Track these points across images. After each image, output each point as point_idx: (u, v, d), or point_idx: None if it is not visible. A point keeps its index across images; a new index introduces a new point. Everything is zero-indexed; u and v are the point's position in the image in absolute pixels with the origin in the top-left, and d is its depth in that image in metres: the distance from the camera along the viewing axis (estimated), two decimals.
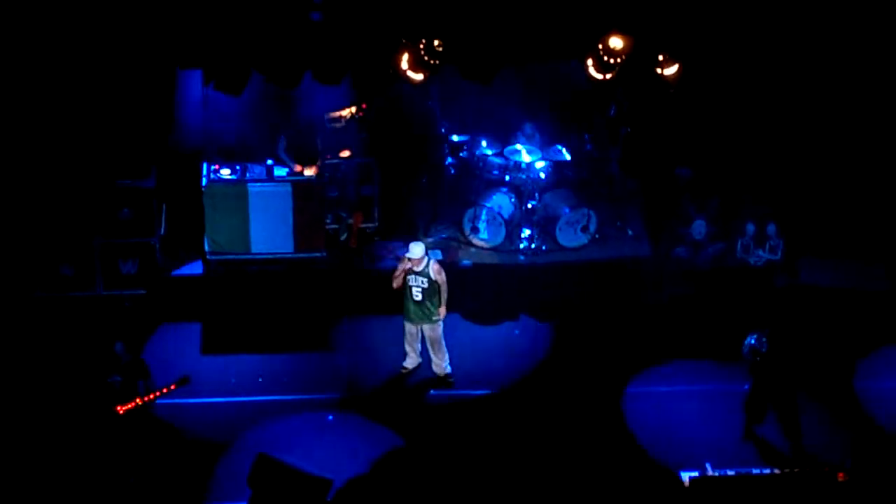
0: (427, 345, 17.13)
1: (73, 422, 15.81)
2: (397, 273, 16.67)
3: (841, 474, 13.87)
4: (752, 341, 15.64)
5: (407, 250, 16.69)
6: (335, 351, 17.86)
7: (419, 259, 16.55)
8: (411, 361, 17.29)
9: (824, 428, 16.18)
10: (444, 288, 16.80)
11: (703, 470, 14.18)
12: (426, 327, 16.94)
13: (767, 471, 14.10)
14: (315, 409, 16.68)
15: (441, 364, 17.13)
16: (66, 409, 16.06)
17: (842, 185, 19.80)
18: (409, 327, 17.03)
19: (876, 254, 19.53)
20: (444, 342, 17.05)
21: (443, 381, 17.14)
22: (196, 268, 19.30)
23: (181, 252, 19.46)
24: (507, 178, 20.33)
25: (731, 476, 13.70)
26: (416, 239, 18.33)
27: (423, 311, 16.80)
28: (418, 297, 16.70)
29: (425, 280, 16.62)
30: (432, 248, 20.10)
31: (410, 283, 16.66)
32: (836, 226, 19.69)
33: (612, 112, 20.40)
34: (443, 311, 16.91)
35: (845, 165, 19.78)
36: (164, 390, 15.09)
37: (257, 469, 14.42)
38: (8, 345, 17.30)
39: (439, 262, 17.25)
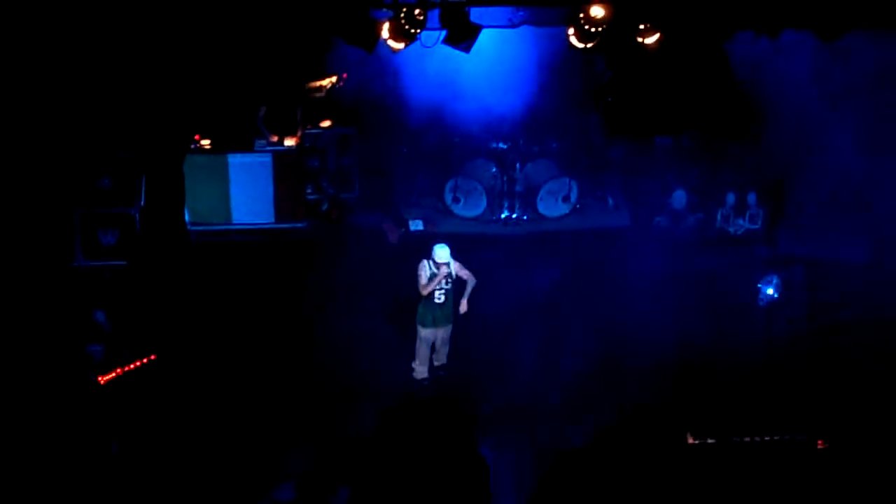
0: (436, 344, 16.55)
1: (53, 392, 15.76)
2: (438, 280, 15.89)
3: (820, 441, 13.94)
4: (770, 290, 15.84)
5: (432, 254, 15.88)
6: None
7: (446, 261, 15.97)
8: (423, 371, 16.60)
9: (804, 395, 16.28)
10: (472, 282, 16.21)
11: (682, 438, 14.21)
12: (442, 330, 16.41)
13: (747, 439, 14.14)
14: None
15: (442, 358, 16.70)
16: (45, 380, 16.00)
17: (823, 154, 19.80)
18: (427, 334, 16.32)
19: (858, 225, 19.54)
20: None
21: (436, 369, 16.71)
22: None
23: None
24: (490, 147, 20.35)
25: (710, 444, 13.74)
26: (415, 219, 18.32)
27: (445, 314, 16.22)
28: (441, 299, 16.10)
29: (449, 281, 16.08)
30: (413, 219, 20.11)
31: (434, 288, 16.09)
32: (816, 195, 19.70)
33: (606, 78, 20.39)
34: (465, 303, 16.29)
35: (822, 136, 19.77)
36: (145, 360, 15.09)
37: None
38: None
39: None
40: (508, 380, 16.52)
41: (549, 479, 12.64)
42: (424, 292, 16.04)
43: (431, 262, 15.93)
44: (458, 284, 16.22)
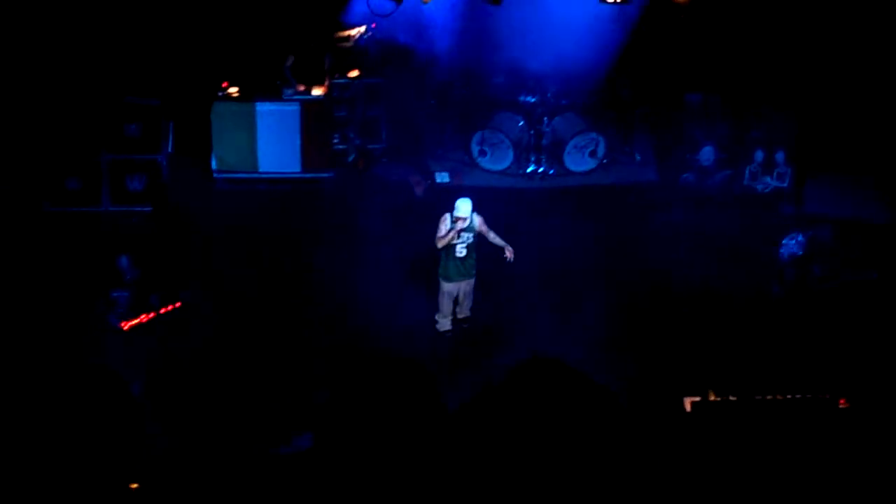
0: (459, 297, 16.50)
1: (76, 337, 15.86)
2: (451, 234, 15.81)
3: (843, 400, 13.91)
4: (793, 245, 15.88)
5: (454, 208, 15.85)
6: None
7: (465, 216, 15.86)
8: (446, 324, 16.60)
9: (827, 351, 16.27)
10: (492, 234, 16.13)
11: (705, 395, 14.20)
12: (465, 283, 16.37)
13: (768, 397, 14.11)
14: None
15: (465, 311, 16.68)
16: (69, 324, 16.09)
17: (854, 112, 19.64)
18: (449, 287, 16.29)
19: (884, 183, 19.41)
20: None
21: (459, 322, 16.74)
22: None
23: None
24: (519, 100, 20.26)
25: (732, 401, 13.73)
26: (441, 171, 18.40)
27: (466, 267, 16.16)
28: (462, 253, 16.02)
29: (471, 235, 15.97)
30: (439, 172, 20.08)
31: (455, 241, 15.95)
32: (846, 153, 19.57)
33: None
34: (508, 250, 16.15)
35: (858, 93, 19.61)
36: (170, 307, 15.16)
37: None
38: (15, 258, 17.30)
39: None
40: (531, 332, 16.54)
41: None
42: (439, 245, 15.96)
43: (452, 216, 15.92)
44: (482, 239, 16.18)
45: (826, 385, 14.57)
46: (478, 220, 16.10)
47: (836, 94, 19.52)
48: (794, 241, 16.25)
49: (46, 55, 18.22)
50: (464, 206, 15.84)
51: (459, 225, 15.84)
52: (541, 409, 4.41)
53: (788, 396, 13.75)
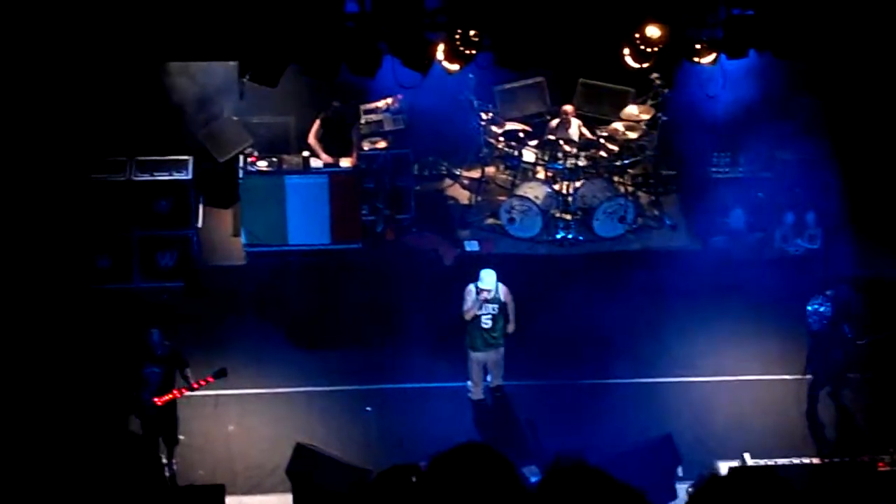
0: (488, 366, 16.67)
1: (109, 415, 15.86)
2: (474, 307, 15.98)
3: (881, 464, 13.78)
4: (818, 306, 15.78)
5: (478, 279, 16.02)
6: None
7: (489, 288, 15.97)
8: (478, 392, 16.75)
9: (865, 416, 16.11)
10: (511, 307, 16.27)
11: (741, 460, 14.08)
12: (493, 353, 16.48)
13: (806, 461, 13.99)
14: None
15: (497, 380, 16.84)
16: (102, 402, 16.10)
17: (884, 173, 19.55)
18: (477, 356, 16.42)
19: None
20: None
21: (492, 391, 16.93)
22: None
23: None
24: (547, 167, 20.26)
25: (768, 466, 13.61)
26: (470, 239, 18.63)
27: (493, 338, 16.26)
28: (488, 324, 16.13)
29: (496, 307, 16.09)
30: (468, 239, 20.08)
31: (480, 313, 16.10)
32: (876, 215, 19.43)
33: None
34: (512, 326, 16.38)
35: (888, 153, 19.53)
36: (202, 382, 15.14)
37: (296, 458, 14.52)
38: (46, 336, 17.32)
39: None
40: (566, 403, 16.53)
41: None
42: (466, 317, 16.10)
43: (477, 287, 15.94)
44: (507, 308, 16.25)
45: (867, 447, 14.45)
46: (503, 291, 16.14)
47: (868, 149, 19.44)
48: (820, 306, 16.00)
49: (74, 134, 18.35)
50: (488, 278, 15.90)
51: (483, 296, 15.90)
52: None
53: (826, 461, 13.65)
